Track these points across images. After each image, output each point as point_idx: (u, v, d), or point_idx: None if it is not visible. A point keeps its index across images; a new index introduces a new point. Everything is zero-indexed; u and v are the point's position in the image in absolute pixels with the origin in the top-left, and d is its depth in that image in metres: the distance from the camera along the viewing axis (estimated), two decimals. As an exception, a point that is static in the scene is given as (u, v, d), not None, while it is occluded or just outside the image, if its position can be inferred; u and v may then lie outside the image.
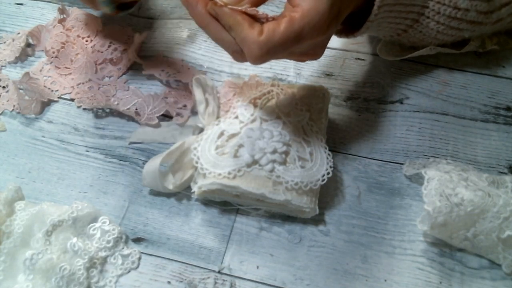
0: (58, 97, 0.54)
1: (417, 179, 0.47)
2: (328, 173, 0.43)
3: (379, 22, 0.45)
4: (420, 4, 0.45)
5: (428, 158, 0.48)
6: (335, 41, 0.56)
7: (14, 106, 0.53)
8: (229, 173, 0.42)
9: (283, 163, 0.43)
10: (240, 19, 0.36)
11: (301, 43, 0.37)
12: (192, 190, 0.45)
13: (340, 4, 0.38)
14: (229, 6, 0.37)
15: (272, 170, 0.42)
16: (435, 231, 0.42)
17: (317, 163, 0.44)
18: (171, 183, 0.45)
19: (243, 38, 0.36)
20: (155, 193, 0.48)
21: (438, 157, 0.48)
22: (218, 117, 0.47)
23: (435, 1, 0.45)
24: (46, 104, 0.53)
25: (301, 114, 0.46)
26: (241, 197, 0.44)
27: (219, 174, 0.43)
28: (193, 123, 0.49)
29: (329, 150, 0.45)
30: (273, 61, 0.55)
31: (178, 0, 0.60)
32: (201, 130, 0.48)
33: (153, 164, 0.45)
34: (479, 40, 0.51)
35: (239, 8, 0.36)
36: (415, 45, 0.51)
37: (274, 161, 0.42)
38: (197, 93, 0.48)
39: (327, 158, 0.44)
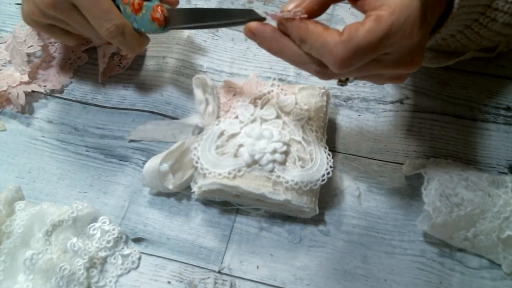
0: (58, 97, 0.54)
1: (417, 179, 0.47)
2: (328, 173, 0.43)
3: (456, 16, 0.39)
4: (483, 3, 0.41)
5: (428, 158, 0.48)
6: (335, 41, 0.56)
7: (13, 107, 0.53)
8: (229, 173, 0.42)
9: (283, 163, 0.43)
10: (312, 27, 0.33)
11: (390, 45, 0.33)
12: (192, 190, 0.45)
13: (432, 3, 0.34)
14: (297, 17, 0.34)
15: (272, 170, 0.42)
16: (435, 231, 0.42)
17: (317, 163, 0.44)
18: (171, 183, 0.45)
19: (322, 44, 0.33)
20: (155, 193, 0.48)
21: (438, 157, 0.48)
22: (218, 117, 0.47)
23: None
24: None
25: (301, 114, 0.46)
26: (241, 197, 0.44)
27: (219, 174, 0.43)
28: (193, 122, 0.49)
29: (329, 150, 0.45)
30: (273, 61, 0.56)
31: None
32: (201, 130, 0.48)
33: (153, 164, 0.45)
34: (506, 41, 0.50)
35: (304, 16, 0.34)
36: (456, 51, 0.49)
37: (274, 161, 0.42)
38: (197, 93, 0.48)
39: (327, 158, 0.44)
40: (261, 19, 0.38)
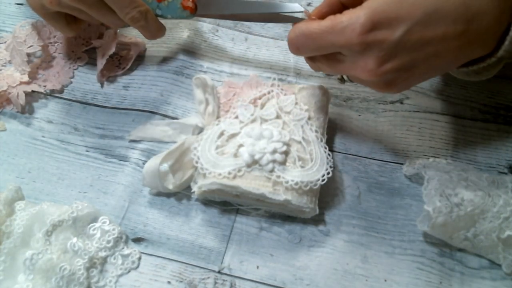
0: (60, 97, 0.54)
1: (417, 179, 0.47)
2: (328, 173, 0.43)
3: None
4: None
5: (428, 158, 0.48)
6: (335, 41, 0.56)
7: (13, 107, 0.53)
8: (229, 173, 0.42)
9: (283, 163, 0.43)
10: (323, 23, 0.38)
11: (332, 43, 0.38)
12: (192, 190, 0.45)
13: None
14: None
15: (272, 170, 0.42)
16: (435, 231, 0.42)
17: (317, 163, 0.44)
18: (171, 183, 0.45)
19: (338, 28, 0.37)
20: (155, 193, 0.48)
21: (438, 157, 0.48)
22: (218, 117, 0.47)
23: None
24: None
25: (301, 114, 0.46)
26: (241, 197, 0.44)
27: (219, 174, 0.43)
28: (193, 122, 0.49)
29: (329, 150, 0.45)
30: (273, 61, 0.56)
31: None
32: (201, 130, 0.48)
33: (153, 164, 0.45)
34: None
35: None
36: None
37: (274, 161, 0.42)
38: (197, 93, 0.48)
39: (327, 158, 0.44)
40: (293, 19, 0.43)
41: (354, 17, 0.36)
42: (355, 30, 0.36)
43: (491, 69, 0.44)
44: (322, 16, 0.40)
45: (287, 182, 0.42)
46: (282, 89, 0.47)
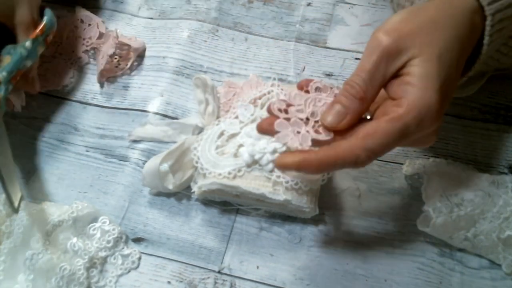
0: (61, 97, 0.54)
1: (417, 179, 0.47)
2: (328, 173, 0.43)
3: (483, 58, 0.39)
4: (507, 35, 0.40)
5: (428, 158, 0.48)
6: (335, 41, 0.56)
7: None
8: (229, 173, 0.42)
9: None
10: (328, 157, 0.33)
11: (409, 139, 0.33)
12: (192, 190, 0.45)
13: (449, 83, 0.34)
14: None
15: (272, 170, 0.42)
16: (435, 231, 0.42)
17: None
18: (171, 183, 0.45)
19: (343, 163, 0.33)
20: (155, 193, 0.48)
21: (438, 157, 0.48)
22: (218, 117, 0.47)
23: None
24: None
25: None
26: (241, 197, 0.44)
27: (219, 174, 0.43)
28: (193, 122, 0.49)
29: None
30: (273, 61, 0.56)
31: (178, 0, 0.60)
32: (201, 130, 0.48)
33: (153, 164, 0.45)
34: None
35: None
36: (481, 73, 0.48)
37: (274, 161, 0.42)
38: (197, 93, 0.48)
39: None
40: None
41: (424, 108, 0.32)
42: (433, 117, 0.33)
43: (471, 85, 0.46)
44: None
45: (287, 182, 0.42)
46: (282, 89, 0.47)
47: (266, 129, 0.37)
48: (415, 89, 0.33)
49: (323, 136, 0.35)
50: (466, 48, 0.36)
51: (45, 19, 0.50)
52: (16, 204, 0.42)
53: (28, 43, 0.48)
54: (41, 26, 0.49)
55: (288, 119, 0.35)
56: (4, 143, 0.45)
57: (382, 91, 0.35)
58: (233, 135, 0.45)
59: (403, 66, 0.34)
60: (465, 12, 0.35)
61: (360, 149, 0.32)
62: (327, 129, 0.35)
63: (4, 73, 0.46)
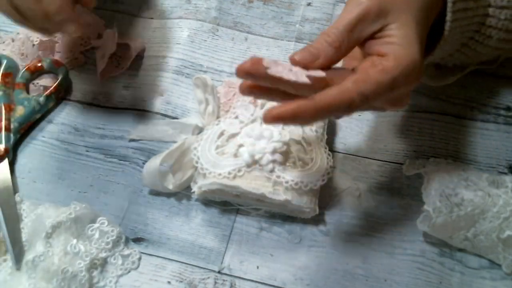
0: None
1: (417, 179, 0.47)
2: (328, 173, 0.43)
3: (448, 38, 0.41)
4: (481, 13, 0.41)
5: (428, 158, 0.48)
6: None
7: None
8: (229, 173, 0.42)
9: (283, 163, 0.43)
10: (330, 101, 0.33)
11: (394, 92, 0.34)
12: (192, 190, 0.45)
13: (423, 50, 0.35)
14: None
15: (272, 170, 0.42)
16: (435, 231, 0.42)
17: (317, 163, 0.44)
18: (171, 183, 0.45)
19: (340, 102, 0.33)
20: (155, 193, 0.48)
21: (438, 157, 0.48)
22: (218, 117, 0.47)
23: (495, 7, 0.41)
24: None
25: None
26: (241, 197, 0.44)
27: (219, 174, 0.43)
28: (193, 122, 0.49)
29: (329, 150, 0.45)
30: (273, 61, 0.56)
31: (178, 0, 0.60)
32: (201, 130, 0.48)
33: (153, 164, 0.45)
34: (505, 54, 0.49)
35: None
36: (462, 64, 0.49)
37: (274, 161, 0.42)
38: (197, 93, 0.48)
39: (327, 158, 0.44)
40: None
41: (411, 62, 0.34)
42: (419, 71, 0.35)
43: (450, 76, 0.48)
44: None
45: (287, 182, 0.42)
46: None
47: (248, 70, 0.33)
48: (400, 47, 0.34)
49: (318, 72, 0.34)
50: (430, 18, 0.38)
51: (60, 77, 0.53)
52: (20, 264, 0.44)
53: (42, 99, 0.52)
54: (55, 84, 0.53)
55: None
56: (12, 208, 0.46)
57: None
58: (233, 135, 0.45)
59: (379, 30, 0.35)
60: None
61: (354, 92, 0.33)
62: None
63: (16, 124, 0.50)
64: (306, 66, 0.34)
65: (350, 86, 0.33)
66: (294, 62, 0.35)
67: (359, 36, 0.35)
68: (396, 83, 0.33)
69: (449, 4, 0.38)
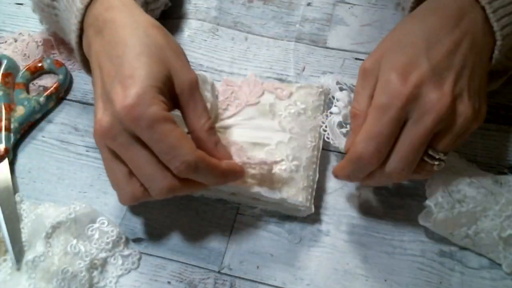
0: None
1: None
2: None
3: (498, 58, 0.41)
4: None
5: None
6: (335, 41, 0.56)
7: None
8: None
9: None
10: None
11: None
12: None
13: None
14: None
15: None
16: (436, 227, 0.42)
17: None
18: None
19: None
20: (155, 193, 0.48)
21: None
22: (216, 115, 0.47)
23: None
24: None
25: (297, 113, 0.46)
26: (237, 195, 0.44)
27: None
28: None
29: (328, 149, 0.45)
30: (273, 61, 0.56)
31: (178, 0, 0.60)
32: None
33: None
34: None
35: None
36: (504, 69, 0.48)
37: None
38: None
39: (317, 158, 0.45)
40: None
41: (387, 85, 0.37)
42: (397, 91, 0.37)
43: (497, 80, 0.47)
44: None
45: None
46: (278, 88, 0.47)
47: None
48: None
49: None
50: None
51: (60, 77, 0.53)
52: (20, 264, 0.44)
53: (42, 99, 0.51)
54: (55, 84, 0.53)
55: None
56: (12, 208, 0.46)
57: None
58: (228, 135, 0.45)
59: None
60: None
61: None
62: None
63: (16, 124, 0.50)
64: None
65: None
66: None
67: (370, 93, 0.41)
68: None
69: (498, 43, 0.39)
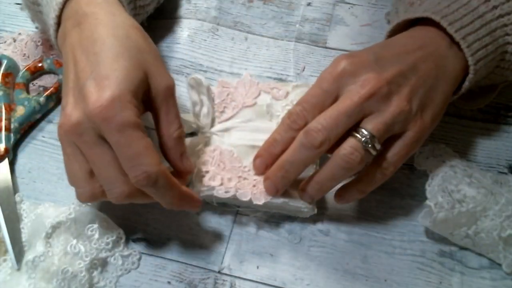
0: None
1: (417, 179, 0.47)
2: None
3: (473, 80, 0.42)
4: (500, 51, 0.42)
5: (428, 158, 0.47)
6: (335, 41, 0.56)
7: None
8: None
9: None
10: None
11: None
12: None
13: None
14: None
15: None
16: (436, 227, 0.42)
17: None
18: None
19: None
20: (155, 193, 0.48)
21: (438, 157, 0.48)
22: (213, 118, 0.47)
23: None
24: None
25: None
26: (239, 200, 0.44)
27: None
28: (191, 119, 0.49)
29: (329, 150, 0.45)
30: (273, 61, 0.56)
31: (178, 0, 0.60)
32: (195, 132, 0.48)
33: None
34: None
35: None
36: (494, 83, 0.48)
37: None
38: (192, 94, 0.47)
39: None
40: None
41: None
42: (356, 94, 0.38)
43: (480, 99, 0.49)
44: None
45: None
46: (274, 88, 0.47)
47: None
48: None
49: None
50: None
51: (60, 77, 0.53)
52: (20, 264, 0.44)
53: (42, 99, 0.51)
54: (55, 84, 0.53)
55: None
56: (12, 208, 0.46)
57: None
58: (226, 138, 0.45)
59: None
60: None
61: None
62: None
63: (16, 124, 0.50)
64: None
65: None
66: None
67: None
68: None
69: (471, 67, 0.40)
